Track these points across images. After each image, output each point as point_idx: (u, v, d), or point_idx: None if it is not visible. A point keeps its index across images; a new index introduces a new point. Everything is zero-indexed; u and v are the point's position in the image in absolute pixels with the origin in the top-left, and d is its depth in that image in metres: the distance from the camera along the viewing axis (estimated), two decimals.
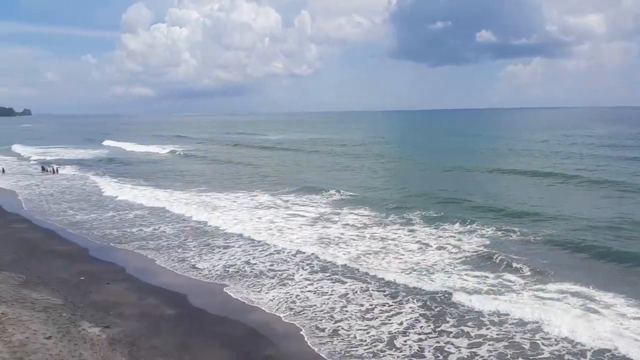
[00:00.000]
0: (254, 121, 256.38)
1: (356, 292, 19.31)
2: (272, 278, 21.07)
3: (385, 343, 15.30)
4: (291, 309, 17.94)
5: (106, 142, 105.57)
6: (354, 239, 26.46)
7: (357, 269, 21.66)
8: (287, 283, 20.45)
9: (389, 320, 16.86)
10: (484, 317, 16.75)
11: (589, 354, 14.34)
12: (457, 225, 28.11)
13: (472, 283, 19.77)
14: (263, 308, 18.07)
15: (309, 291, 19.53)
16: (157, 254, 24.53)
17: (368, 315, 17.22)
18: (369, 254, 23.89)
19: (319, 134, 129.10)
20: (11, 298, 17.41)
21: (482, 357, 14.44)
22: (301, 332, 16.15)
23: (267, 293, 19.42)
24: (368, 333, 15.95)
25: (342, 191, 38.97)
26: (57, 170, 57.08)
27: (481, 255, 23.05)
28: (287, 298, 18.87)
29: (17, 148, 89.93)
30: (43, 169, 57.94)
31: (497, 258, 22.26)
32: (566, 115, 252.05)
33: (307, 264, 22.65)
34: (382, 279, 20.38)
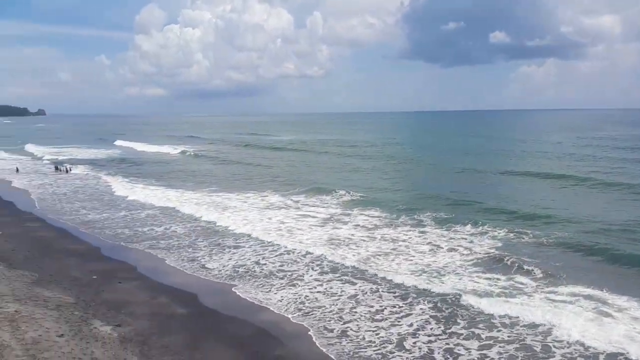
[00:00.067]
0: (265, 122, 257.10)
1: (366, 293, 19.27)
2: (282, 279, 21.09)
3: (394, 344, 15.24)
4: (300, 309, 17.95)
5: (118, 142, 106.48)
6: (364, 240, 26.41)
7: (367, 270, 21.61)
8: (297, 284, 20.46)
9: (399, 321, 16.79)
10: (495, 319, 16.62)
11: (601, 357, 14.17)
12: (468, 227, 27.94)
13: (483, 285, 19.63)
14: (272, 308, 18.10)
15: (318, 292, 19.53)
16: (168, 254, 24.69)
17: (377, 317, 17.17)
18: (380, 255, 23.83)
19: (329, 134, 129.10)
20: (24, 296, 17.62)
21: (493, 359, 14.34)
22: (309, 333, 16.14)
23: (276, 293, 19.45)
24: (377, 334, 15.90)
25: (352, 192, 38.92)
26: (69, 169, 57.71)
27: (493, 257, 22.88)
28: (296, 298, 18.88)
29: (30, 147, 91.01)
30: (56, 168, 58.61)
31: (508, 260, 22.08)
32: (580, 117, 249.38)
33: (317, 265, 22.64)
34: (393, 280, 20.30)
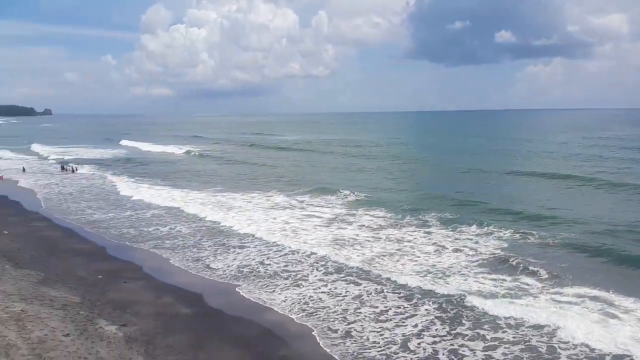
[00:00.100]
0: (271, 122, 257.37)
1: (370, 293, 19.24)
2: (286, 279, 21.10)
3: (398, 345, 15.21)
4: (304, 310, 17.95)
5: (124, 142, 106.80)
6: (369, 241, 26.38)
7: (372, 271, 21.58)
8: (301, 284, 20.46)
9: (404, 322, 16.76)
10: (500, 320, 16.57)
11: (607, 359, 14.10)
12: (473, 228, 27.85)
13: (488, 286, 19.57)
14: (276, 309, 18.11)
15: (322, 292, 19.52)
16: (173, 254, 24.75)
17: (382, 317, 17.15)
18: (384, 255, 23.79)
19: (334, 134, 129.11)
20: (30, 295, 17.72)
21: None
22: (313, 333, 16.14)
23: (279, 294, 19.46)
24: (381, 335, 15.88)
25: (357, 192, 38.89)
26: (75, 169, 57.98)
27: (498, 258, 22.80)
28: (300, 299, 18.88)
29: (36, 147, 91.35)
30: (62, 168, 58.89)
31: (514, 261, 22.00)
32: (587, 117, 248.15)
33: (322, 265, 22.64)
34: (397, 281, 20.26)
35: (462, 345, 15.12)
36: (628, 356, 14.09)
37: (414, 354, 14.72)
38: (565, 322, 15.92)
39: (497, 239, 25.88)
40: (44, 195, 41.31)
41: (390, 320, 16.94)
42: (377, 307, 17.95)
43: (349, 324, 16.72)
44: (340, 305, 18.24)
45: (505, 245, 24.77)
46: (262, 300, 18.85)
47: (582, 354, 14.41)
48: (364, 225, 29.64)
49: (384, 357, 14.62)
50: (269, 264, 22.98)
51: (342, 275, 21.27)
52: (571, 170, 49.51)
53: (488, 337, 15.53)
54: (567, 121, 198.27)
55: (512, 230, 26.96)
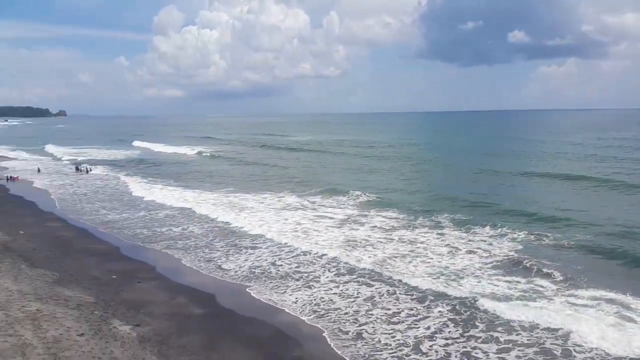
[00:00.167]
0: (282, 122, 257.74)
1: (382, 295, 19.18)
2: (298, 280, 21.10)
3: (410, 347, 15.14)
4: (315, 311, 17.93)
5: (136, 143, 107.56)
6: (381, 242, 26.30)
7: (385, 272, 21.49)
8: (313, 285, 20.45)
9: (416, 324, 16.68)
10: (514, 322, 16.42)
11: None
12: (487, 229, 27.64)
13: (502, 288, 19.41)
14: (287, 310, 18.12)
15: (334, 294, 19.49)
16: (185, 254, 24.89)
17: (394, 319, 17.07)
18: (397, 257, 23.69)
19: (346, 135, 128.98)
20: (46, 295, 17.93)
21: None
22: (324, 334, 16.12)
23: (291, 295, 19.46)
24: (393, 337, 15.81)
25: (369, 193, 38.78)
26: (90, 170, 58.57)
27: (512, 260, 22.60)
28: (312, 300, 18.87)
29: (50, 148, 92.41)
30: (77, 169, 59.54)
31: (528, 263, 21.79)
32: (602, 117, 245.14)
33: (334, 266, 22.61)
34: (410, 282, 20.16)
35: (475, 348, 15.01)
36: None
37: (426, 356, 14.64)
38: (580, 325, 15.73)
39: (511, 240, 25.66)
40: (59, 196, 41.79)
41: (403, 322, 16.86)
42: (389, 309, 17.88)
43: (360, 325, 16.67)
44: (352, 306, 18.19)
45: (520, 247, 24.55)
46: (273, 301, 18.88)
47: (597, 358, 14.24)
48: (376, 226, 29.55)
49: (396, 359, 14.56)
50: (281, 265, 23.00)
51: (354, 277, 21.22)
52: (586, 171, 48.89)
53: (502, 340, 15.39)
54: (582, 122, 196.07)
55: (526, 232, 26.72)
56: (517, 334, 15.71)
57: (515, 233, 26.69)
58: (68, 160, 71.21)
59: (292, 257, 24.22)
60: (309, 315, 17.58)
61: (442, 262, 22.81)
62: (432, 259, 23.32)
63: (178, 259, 24.27)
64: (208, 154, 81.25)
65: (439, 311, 17.55)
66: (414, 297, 18.87)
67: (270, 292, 19.74)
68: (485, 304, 17.70)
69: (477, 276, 20.79)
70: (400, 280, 20.44)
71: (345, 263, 22.89)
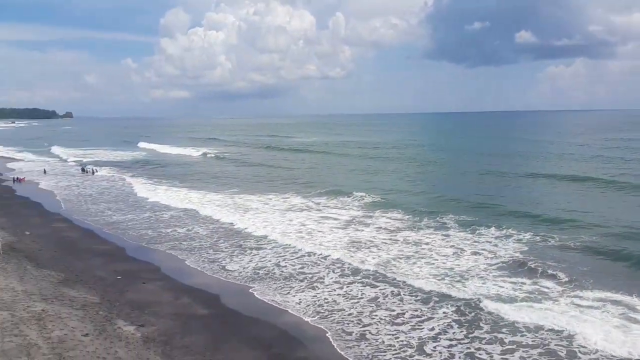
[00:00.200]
0: (287, 123, 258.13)
1: (387, 296, 19.15)
2: (302, 281, 21.11)
3: (414, 348, 15.11)
4: (318, 312, 17.92)
5: (142, 145, 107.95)
6: (386, 243, 26.26)
7: (389, 273, 21.46)
8: (317, 286, 20.44)
9: (420, 325, 16.64)
10: (519, 323, 16.35)
11: None
12: (492, 230, 27.56)
13: (507, 289, 19.34)
14: (290, 311, 18.13)
15: (337, 295, 19.48)
16: (190, 255, 24.96)
17: (398, 320, 17.04)
18: (401, 258, 23.66)
19: (351, 136, 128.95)
20: (51, 295, 18.03)
21: None
22: (327, 335, 16.11)
23: (294, 296, 19.47)
24: (397, 338, 15.78)
25: (374, 194, 38.73)
26: (95, 171, 58.85)
27: (517, 261, 22.51)
28: (315, 301, 18.87)
29: (56, 150, 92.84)
30: (83, 170, 59.85)
31: (533, 264, 21.71)
32: (609, 118, 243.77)
33: (338, 267, 22.60)
34: (414, 283, 20.12)
35: (479, 349, 14.96)
36: None
37: (430, 357, 14.60)
38: (585, 327, 15.64)
39: (517, 241, 25.56)
40: (65, 197, 42.01)
41: (406, 323, 16.83)
42: (393, 310, 17.85)
43: (364, 326, 16.65)
44: (356, 307, 18.18)
45: (525, 248, 24.45)
46: (277, 302, 18.89)
47: (602, 359, 14.14)
48: (380, 228, 29.51)
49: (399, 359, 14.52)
50: (285, 266, 23.02)
51: (358, 278, 21.20)
52: (592, 173, 48.64)
53: (506, 341, 15.33)
54: (589, 122, 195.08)
55: (532, 233, 26.62)
56: (521, 335, 15.64)
57: (520, 234, 26.60)
58: (74, 161, 71.59)
59: (296, 258, 24.24)
60: (313, 316, 17.58)
61: (446, 263, 22.75)
62: (436, 260, 23.27)
63: (182, 259, 24.34)
64: (213, 155, 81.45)
65: (444, 312, 17.51)
66: (418, 298, 18.83)
67: (274, 293, 19.75)
68: (490, 305, 17.64)
69: (482, 277, 20.72)
70: (404, 282, 20.41)
71: (350, 264, 22.86)
